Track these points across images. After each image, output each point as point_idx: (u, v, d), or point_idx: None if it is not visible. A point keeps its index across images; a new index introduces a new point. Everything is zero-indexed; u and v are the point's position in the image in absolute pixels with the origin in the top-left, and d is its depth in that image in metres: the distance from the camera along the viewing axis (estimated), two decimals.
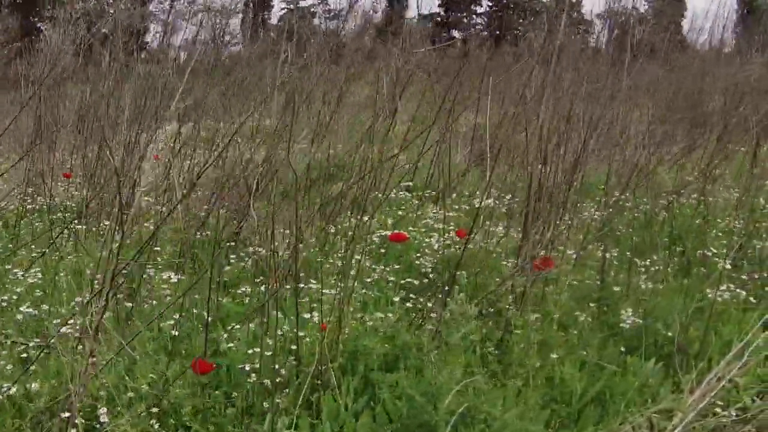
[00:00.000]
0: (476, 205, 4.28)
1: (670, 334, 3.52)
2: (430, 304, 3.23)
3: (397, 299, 3.34)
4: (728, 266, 3.91)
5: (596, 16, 22.72)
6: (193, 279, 4.00)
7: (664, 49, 10.10)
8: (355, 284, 3.49)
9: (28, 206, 6.45)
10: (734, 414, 3.39)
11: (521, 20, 19.45)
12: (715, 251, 4.10)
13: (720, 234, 4.43)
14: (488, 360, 2.90)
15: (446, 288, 3.41)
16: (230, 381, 3.25)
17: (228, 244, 4.59)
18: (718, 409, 3.36)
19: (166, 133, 8.58)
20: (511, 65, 8.89)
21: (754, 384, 3.61)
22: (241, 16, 22.39)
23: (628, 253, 3.95)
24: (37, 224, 5.91)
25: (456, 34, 22.71)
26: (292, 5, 23.27)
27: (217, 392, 3.18)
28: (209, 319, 3.44)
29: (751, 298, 3.83)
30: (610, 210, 4.49)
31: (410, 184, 5.20)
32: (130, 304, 4.00)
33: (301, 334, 3.22)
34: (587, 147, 4.27)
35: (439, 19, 25.01)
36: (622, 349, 3.49)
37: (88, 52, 8.98)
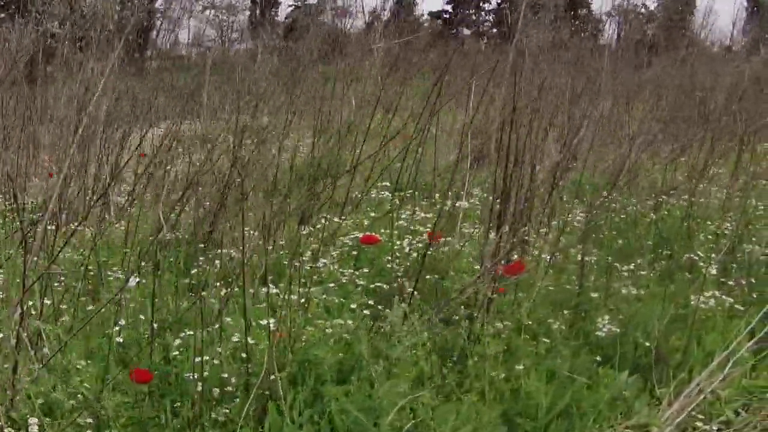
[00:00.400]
0: (457, 205, 4.10)
1: (648, 344, 3.32)
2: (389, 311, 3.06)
3: (354, 306, 3.17)
4: (714, 271, 3.70)
5: (605, 14, 22.45)
6: (154, 282, 3.85)
7: (666, 46, 9.85)
8: (314, 289, 3.33)
9: (11, 205, 6.34)
10: (716, 428, 3.19)
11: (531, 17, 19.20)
12: (702, 255, 3.90)
13: (710, 237, 4.22)
14: (445, 372, 2.72)
15: (411, 294, 3.24)
16: (178, 390, 3.10)
17: (198, 245, 4.44)
18: (698, 423, 3.16)
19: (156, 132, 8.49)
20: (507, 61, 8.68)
21: (738, 396, 3.40)
22: (248, 13, 22.32)
23: (608, 258, 3.74)
24: (17, 224, 5.79)
25: (465, 31, 22.56)
26: (299, 2, 23.17)
27: (165, 401, 3.04)
28: (156, 324, 3.31)
29: (738, 306, 3.62)
30: (595, 211, 4.29)
31: (388, 183, 5.03)
32: (91, 308, 3.88)
33: (252, 341, 3.06)
34: (570, 145, 4.08)
35: (447, 16, 24.81)
36: (598, 359, 3.30)
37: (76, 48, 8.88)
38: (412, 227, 4.20)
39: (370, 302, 3.19)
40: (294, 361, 2.91)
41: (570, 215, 4.19)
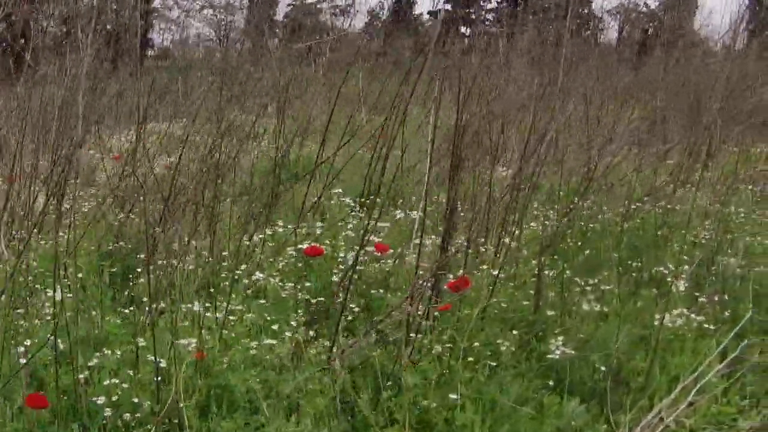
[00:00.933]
0: (406, 214, 3.82)
1: (603, 368, 3.03)
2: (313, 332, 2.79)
3: (275, 327, 2.89)
4: (682, 287, 3.40)
5: (606, 13, 22.07)
6: (80, 296, 3.61)
7: (665, 45, 9.51)
8: (238, 307, 3.06)
9: None
10: None
11: (531, 16, 18.95)
12: (672, 268, 3.59)
13: (685, 247, 3.91)
14: (362, 404, 2.44)
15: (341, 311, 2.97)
16: (89, 414, 2.86)
17: (138, 256, 4.18)
18: None
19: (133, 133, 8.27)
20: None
21: (706, 424, 3.10)
22: (245, 12, 22.09)
23: (567, 272, 3.45)
24: None
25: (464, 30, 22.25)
26: (297, 1, 22.91)
27: (72, 426, 2.80)
28: (69, 343, 3.06)
29: (710, 324, 3.32)
30: (565, 219, 4.00)
31: (341, 190, 4.75)
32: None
33: (165, 364, 2.79)
34: (535, 149, 3.80)
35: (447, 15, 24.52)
36: (550, 383, 3.01)
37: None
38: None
39: (293, 322, 2.91)
40: (204, 387, 2.64)
41: (533, 224, 3.90)
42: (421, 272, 3.00)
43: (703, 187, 4.41)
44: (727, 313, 3.39)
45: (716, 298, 3.44)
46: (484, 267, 3.24)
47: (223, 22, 20.68)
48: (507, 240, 3.73)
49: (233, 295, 3.32)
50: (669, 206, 4.31)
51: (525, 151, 3.68)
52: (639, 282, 3.72)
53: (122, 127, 9.27)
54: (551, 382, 3.01)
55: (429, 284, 2.74)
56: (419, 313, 2.63)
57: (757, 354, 3.35)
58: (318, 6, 23.22)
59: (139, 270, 3.98)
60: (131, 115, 10.00)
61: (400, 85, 4.93)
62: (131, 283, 3.95)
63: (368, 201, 4.73)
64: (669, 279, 3.44)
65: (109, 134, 9.93)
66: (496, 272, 3.14)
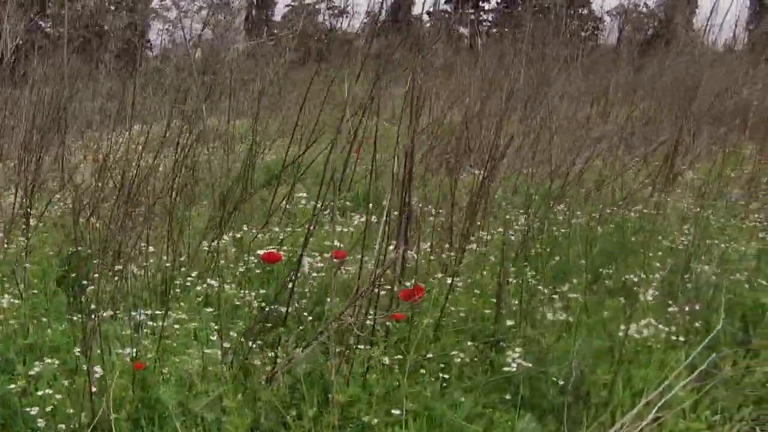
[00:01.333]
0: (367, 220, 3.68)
1: (562, 381, 2.89)
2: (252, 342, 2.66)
3: (214, 338, 2.77)
4: (650, 297, 3.26)
5: (606, 13, 21.88)
6: (29, 302, 3.49)
7: (664, 45, 9.34)
8: (179, 316, 2.94)
9: None
10: None
11: (531, 16, 18.73)
12: (643, 276, 3.44)
13: (660, 253, 3.76)
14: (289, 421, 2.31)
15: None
16: (25, 423, 2.75)
17: (97, 261, 4.06)
18: None
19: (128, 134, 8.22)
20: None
21: None
22: (244, 13, 21.97)
23: (532, 279, 3.31)
24: None
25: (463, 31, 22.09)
26: (295, 2, 22.80)
27: None
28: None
29: (680, 336, 3.17)
30: (536, 224, 3.86)
31: (305, 194, 4.62)
32: None
33: (98, 373, 2.67)
34: (501, 151, 3.66)
35: (446, 15, 24.38)
36: (507, 397, 2.88)
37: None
38: (327, 242, 3.80)
39: (233, 334, 2.78)
40: (136, 399, 2.52)
41: (501, 229, 3.76)
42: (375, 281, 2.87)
43: (681, 191, 4.25)
44: (698, 324, 3.25)
45: (687, 308, 3.29)
46: (439, 275, 3.11)
47: (220, 23, 20.61)
48: (470, 246, 3.60)
49: (182, 303, 3.21)
50: (645, 210, 4.16)
51: (491, 152, 3.54)
52: (610, 290, 3.57)
53: (114, 128, 9.20)
54: (508, 396, 2.88)
55: (369, 293, 2.61)
56: (369, 321, 2.50)
57: (729, 366, 3.21)
58: (316, 6, 23.14)
59: (96, 275, 3.86)
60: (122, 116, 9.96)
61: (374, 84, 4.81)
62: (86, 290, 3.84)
63: (336, 205, 4.60)
64: (636, 287, 3.29)
65: (98, 135, 9.89)
66: (450, 280, 3.01)
